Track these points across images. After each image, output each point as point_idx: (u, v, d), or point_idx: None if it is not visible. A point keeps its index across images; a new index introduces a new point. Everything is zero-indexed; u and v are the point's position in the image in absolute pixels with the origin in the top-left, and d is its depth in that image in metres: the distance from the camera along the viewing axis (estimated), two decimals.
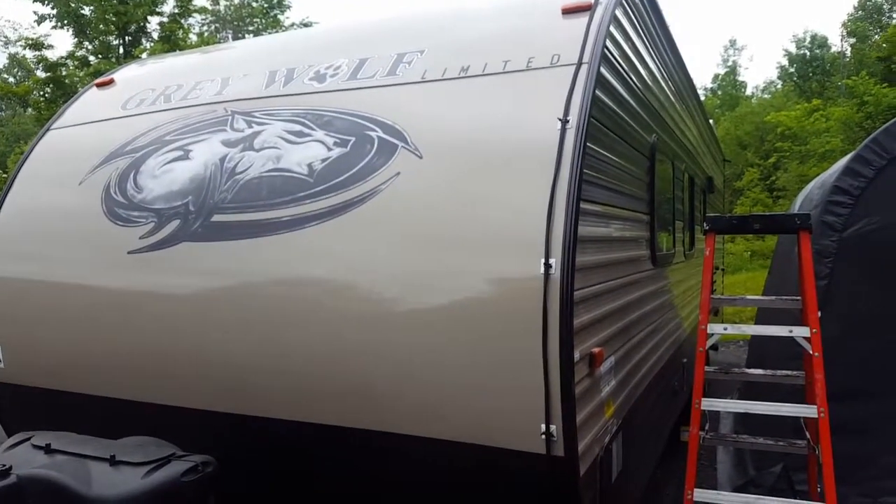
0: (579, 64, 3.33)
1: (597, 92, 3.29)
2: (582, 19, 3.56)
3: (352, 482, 3.40)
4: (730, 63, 51.94)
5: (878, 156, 5.08)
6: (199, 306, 3.66)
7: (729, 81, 50.15)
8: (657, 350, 4.96)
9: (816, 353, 3.80)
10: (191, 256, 3.68)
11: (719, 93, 48.55)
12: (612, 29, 3.61)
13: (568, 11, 3.66)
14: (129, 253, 3.85)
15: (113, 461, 2.94)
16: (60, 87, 18.18)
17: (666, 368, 5.32)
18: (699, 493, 3.90)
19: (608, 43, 3.54)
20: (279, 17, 32.75)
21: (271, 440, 3.50)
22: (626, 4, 4.03)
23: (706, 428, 4.14)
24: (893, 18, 32.74)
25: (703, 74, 73.58)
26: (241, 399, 3.52)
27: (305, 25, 28.41)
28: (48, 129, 4.93)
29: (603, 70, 3.43)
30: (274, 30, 30.61)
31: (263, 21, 33.05)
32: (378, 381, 3.18)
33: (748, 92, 49.42)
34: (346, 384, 3.25)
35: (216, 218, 3.67)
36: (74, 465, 2.94)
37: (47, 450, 3.05)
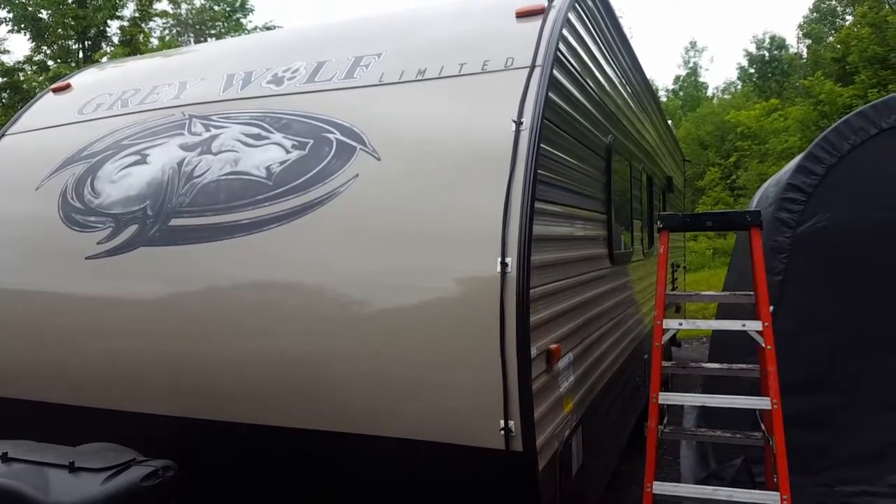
0: (532, 67, 3.39)
1: (550, 94, 3.35)
2: (535, 23, 3.62)
3: (313, 483, 3.41)
4: (690, 64, 52.63)
5: (829, 154, 5.20)
6: (157, 311, 3.64)
7: (690, 83, 50.80)
8: (617, 346, 5.03)
9: (769, 347, 3.89)
10: (149, 261, 3.67)
11: (681, 94, 49.15)
12: (564, 32, 3.68)
13: (522, 15, 3.72)
14: (86, 258, 3.83)
15: (72, 468, 2.91)
16: (18, 92, 17.87)
17: (627, 364, 5.40)
18: (658, 486, 3.97)
19: (561, 46, 3.60)
20: (242, 20, 32.47)
21: (232, 444, 3.49)
22: (579, 8, 4.10)
23: (665, 422, 4.21)
24: (846, 21, 33.42)
25: (664, 76, 74.90)
26: (202, 403, 3.51)
27: (268, 29, 28.20)
28: (3, 135, 4.87)
29: (556, 73, 3.49)
30: (236, 33, 30.33)
31: (226, 25, 32.74)
32: (338, 381, 3.20)
33: (709, 93, 50.13)
34: (307, 386, 3.26)
35: (174, 222, 3.67)
36: (32, 472, 2.91)
37: (4, 458, 3.01)
